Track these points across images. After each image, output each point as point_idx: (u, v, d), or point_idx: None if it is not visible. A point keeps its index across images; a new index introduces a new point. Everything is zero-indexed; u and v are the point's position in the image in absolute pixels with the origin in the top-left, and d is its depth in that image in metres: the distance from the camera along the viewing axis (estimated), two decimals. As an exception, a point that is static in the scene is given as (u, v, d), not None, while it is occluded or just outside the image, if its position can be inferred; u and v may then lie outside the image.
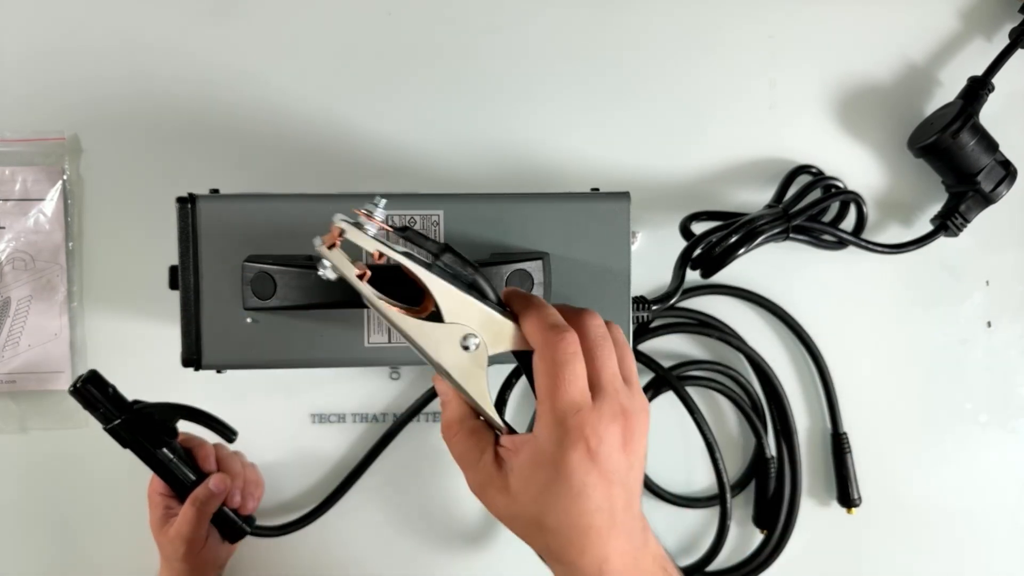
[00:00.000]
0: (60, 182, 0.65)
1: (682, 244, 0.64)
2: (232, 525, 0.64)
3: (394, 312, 0.43)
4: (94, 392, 0.58)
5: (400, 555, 0.69)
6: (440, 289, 0.43)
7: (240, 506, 0.64)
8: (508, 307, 0.44)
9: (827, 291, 0.69)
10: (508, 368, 0.68)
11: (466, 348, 0.43)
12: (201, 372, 0.54)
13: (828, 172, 0.68)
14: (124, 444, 0.59)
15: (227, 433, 0.61)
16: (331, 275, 0.43)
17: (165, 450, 0.61)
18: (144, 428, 0.59)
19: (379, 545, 0.69)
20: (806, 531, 0.69)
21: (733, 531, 0.69)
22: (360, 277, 0.43)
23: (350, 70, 0.67)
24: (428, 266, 0.43)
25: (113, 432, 0.59)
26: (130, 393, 0.67)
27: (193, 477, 0.62)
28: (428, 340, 0.43)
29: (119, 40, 0.66)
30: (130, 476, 0.67)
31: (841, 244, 0.67)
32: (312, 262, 0.52)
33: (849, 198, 0.67)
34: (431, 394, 0.66)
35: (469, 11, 0.67)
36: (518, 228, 0.54)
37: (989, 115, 0.65)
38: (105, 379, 0.58)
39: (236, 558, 0.67)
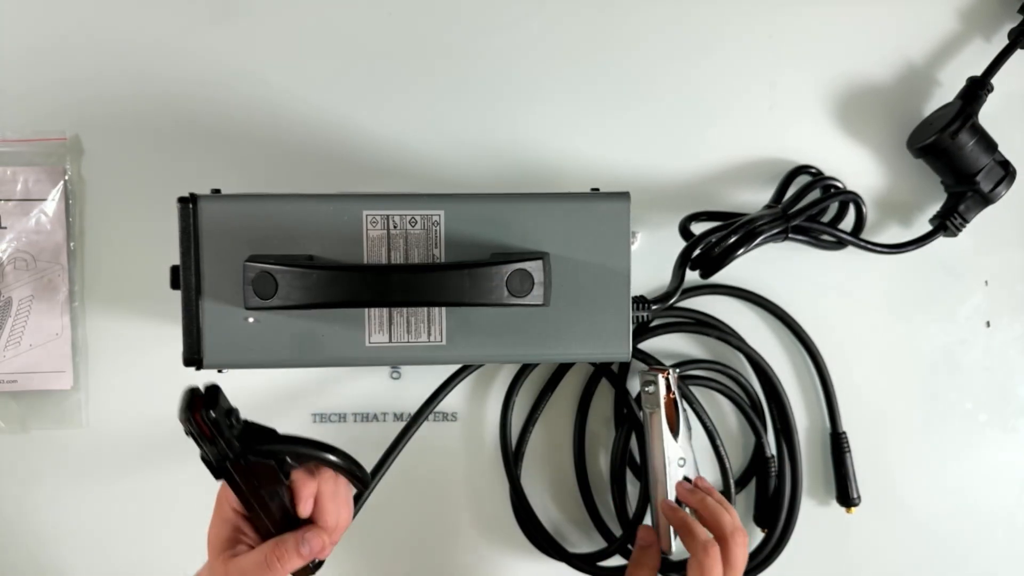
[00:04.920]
0: (61, 182, 0.65)
1: (681, 244, 0.64)
2: (307, 569, 0.54)
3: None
4: (212, 419, 0.45)
5: (406, 558, 0.69)
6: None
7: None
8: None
9: (826, 291, 0.70)
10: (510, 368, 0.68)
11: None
12: (202, 372, 0.54)
13: (827, 172, 0.68)
14: (221, 477, 0.48)
15: (359, 482, 0.51)
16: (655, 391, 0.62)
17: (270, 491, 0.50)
18: (263, 468, 0.48)
19: (382, 544, 0.69)
20: (806, 530, 0.69)
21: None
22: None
23: (351, 70, 0.67)
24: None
25: (221, 469, 0.47)
26: (130, 393, 0.67)
27: (279, 516, 0.51)
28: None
29: (121, 40, 0.66)
30: (133, 476, 0.67)
31: (840, 244, 0.67)
32: (313, 262, 0.52)
33: (848, 198, 0.67)
34: (433, 396, 0.66)
35: (470, 12, 0.67)
36: (518, 228, 0.54)
37: (988, 115, 0.65)
38: (226, 399, 0.46)
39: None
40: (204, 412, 0.45)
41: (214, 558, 0.52)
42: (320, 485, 0.52)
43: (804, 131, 0.69)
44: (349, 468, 0.50)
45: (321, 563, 0.55)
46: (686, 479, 0.63)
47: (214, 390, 0.46)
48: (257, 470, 0.48)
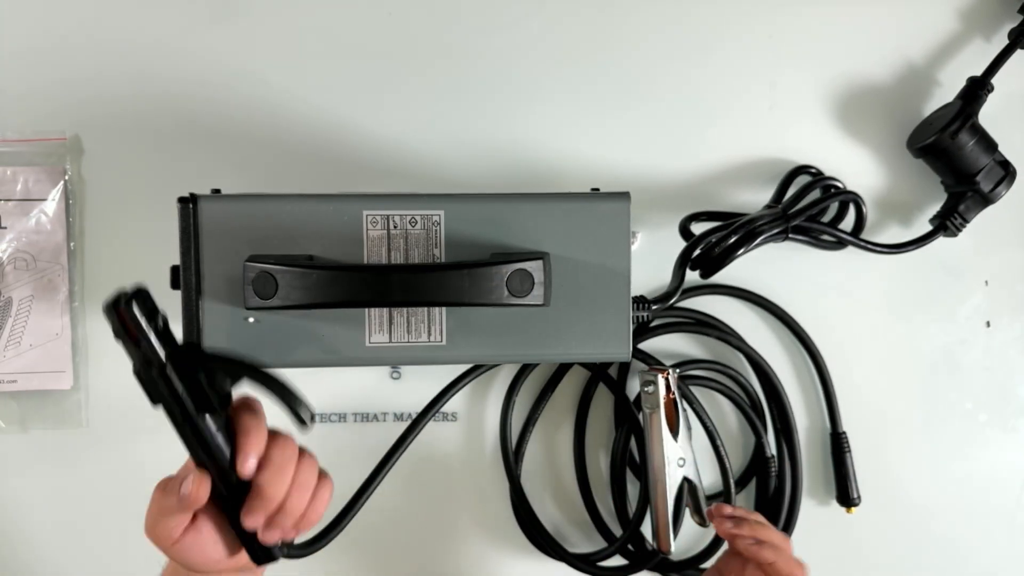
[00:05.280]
0: (62, 182, 0.65)
1: (682, 244, 0.64)
2: (256, 548, 0.49)
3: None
4: (137, 317, 0.43)
5: (406, 558, 0.69)
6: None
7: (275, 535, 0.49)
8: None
9: (826, 291, 0.70)
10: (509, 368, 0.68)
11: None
12: (202, 372, 0.54)
13: (827, 172, 0.68)
14: (156, 399, 0.46)
15: (299, 416, 0.46)
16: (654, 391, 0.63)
17: (210, 419, 0.46)
18: (192, 382, 0.45)
19: (382, 544, 0.69)
20: (806, 530, 0.69)
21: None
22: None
23: (351, 70, 0.67)
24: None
25: (148, 379, 0.45)
26: (130, 393, 0.67)
27: (218, 457, 0.47)
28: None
29: (120, 40, 0.66)
30: (132, 477, 0.67)
31: (840, 244, 0.67)
32: (314, 262, 0.52)
33: (848, 198, 0.67)
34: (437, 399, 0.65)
35: (470, 12, 0.67)
36: (518, 228, 0.54)
37: (988, 115, 0.65)
38: (156, 303, 0.45)
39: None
40: (128, 307, 0.43)
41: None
42: (271, 448, 0.47)
43: (804, 131, 0.69)
44: (284, 394, 0.45)
45: (289, 546, 0.51)
46: (686, 490, 0.63)
47: (144, 291, 0.44)
48: (188, 385, 0.45)
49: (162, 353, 0.45)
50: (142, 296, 0.44)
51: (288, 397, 0.45)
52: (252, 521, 0.47)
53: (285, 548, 0.51)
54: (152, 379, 0.45)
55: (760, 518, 0.60)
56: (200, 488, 0.46)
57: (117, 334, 0.44)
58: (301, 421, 0.46)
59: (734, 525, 0.59)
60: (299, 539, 0.53)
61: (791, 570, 0.56)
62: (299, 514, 0.48)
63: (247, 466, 0.46)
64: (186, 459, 0.48)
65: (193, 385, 0.45)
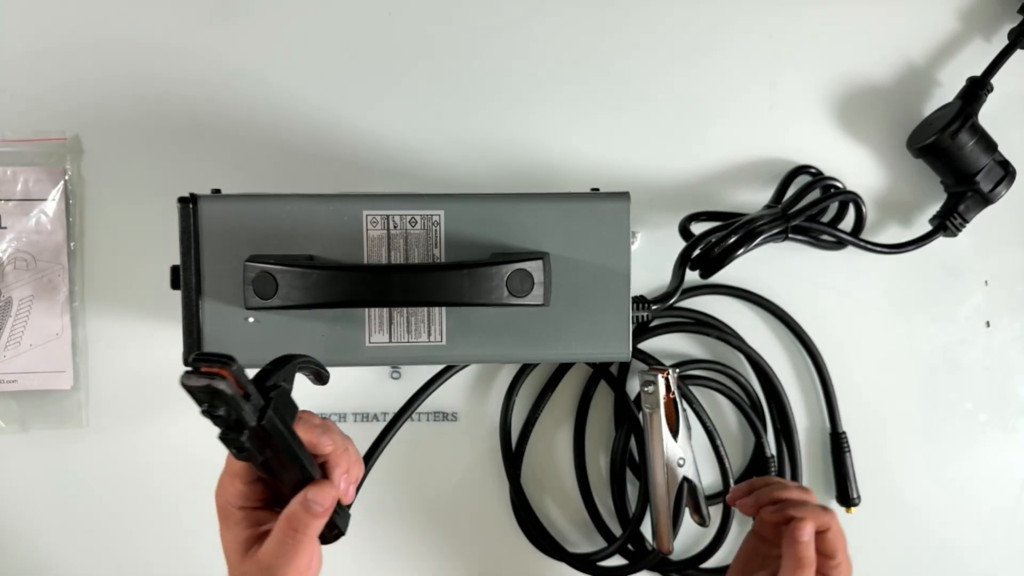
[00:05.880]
0: (62, 182, 0.66)
1: (681, 244, 0.64)
2: (331, 525, 0.50)
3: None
4: (239, 388, 0.39)
5: (406, 558, 0.69)
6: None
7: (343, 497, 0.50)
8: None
9: (826, 291, 0.70)
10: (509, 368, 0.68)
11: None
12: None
13: (827, 172, 0.68)
14: (254, 454, 0.42)
15: (318, 378, 0.49)
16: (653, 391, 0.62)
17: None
18: (283, 404, 0.43)
19: (382, 544, 0.69)
20: (805, 530, 0.69)
21: (735, 529, 0.69)
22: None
23: (351, 70, 0.67)
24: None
25: (268, 423, 0.42)
26: (130, 393, 0.68)
27: (314, 473, 0.47)
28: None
29: (121, 40, 0.66)
30: (132, 476, 0.67)
31: (840, 244, 0.67)
32: (314, 262, 0.53)
33: (848, 198, 0.67)
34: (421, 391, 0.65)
35: (470, 12, 0.67)
36: (518, 228, 0.54)
37: (988, 115, 0.65)
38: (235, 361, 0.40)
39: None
40: (233, 367, 0.39)
41: (239, 563, 0.48)
42: (308, 417, 0.49)
43: (804, 131, 0.69)
44: (311, 363, 0.48)
45: (348, 514, 0.52)
46: (686, 490, 0.63)
47: (206, 353, 0.40)
48: (282, 406, 0.43)
49: (256, 393, 0.41)
50: (216, 353, 0.39)
51: (316, 364, 0.48)
52: (344, 483, 0.49)
53: (347, 509, 0.52)
54: (268, 421, 0.42)
55: (773, 479, 0.59)
56: (331, 491, 0.47)
57: (213, 410, 0.40)
58: (323, 378, 0.49)
59: (754, 501, 0.57)
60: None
61: (818, 519, 0.54)
62: (355, 460, 0.51)
63: (324, 443, 0.48)
64: (216, 498, 0.49)
65: (285, 405, 0.44)
